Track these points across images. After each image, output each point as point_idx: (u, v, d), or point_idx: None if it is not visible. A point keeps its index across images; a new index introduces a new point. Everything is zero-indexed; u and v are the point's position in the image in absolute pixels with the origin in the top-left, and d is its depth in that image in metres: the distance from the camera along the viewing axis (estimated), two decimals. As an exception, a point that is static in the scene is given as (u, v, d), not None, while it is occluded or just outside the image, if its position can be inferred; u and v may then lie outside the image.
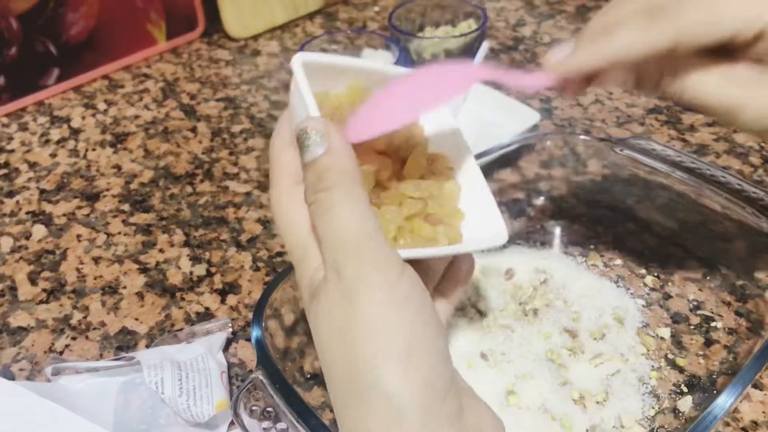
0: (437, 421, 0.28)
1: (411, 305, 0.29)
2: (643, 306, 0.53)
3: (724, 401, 0.38)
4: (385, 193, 0.35)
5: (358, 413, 0.28)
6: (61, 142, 0.74)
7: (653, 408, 0.46)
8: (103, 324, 0.54)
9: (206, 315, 0.54)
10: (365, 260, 0.29)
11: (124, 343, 0.53)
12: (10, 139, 0.75)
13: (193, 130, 0.75)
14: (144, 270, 0.59)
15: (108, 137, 0.75)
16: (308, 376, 0.47)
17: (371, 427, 0.28)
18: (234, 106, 0.79)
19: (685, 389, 0.47)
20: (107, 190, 0.68)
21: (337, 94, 0.37)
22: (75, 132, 0.76)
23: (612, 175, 0.59)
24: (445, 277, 0.39)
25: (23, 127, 0.77)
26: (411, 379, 0.27)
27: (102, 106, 0.80)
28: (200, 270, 0.58)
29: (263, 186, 0.67)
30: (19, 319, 0.55)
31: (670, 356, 0.49)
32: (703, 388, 0.47)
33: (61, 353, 0.52)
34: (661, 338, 0.50)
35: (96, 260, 0.60)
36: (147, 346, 0.52)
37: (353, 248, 0.29)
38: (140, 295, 0.56)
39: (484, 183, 0.40)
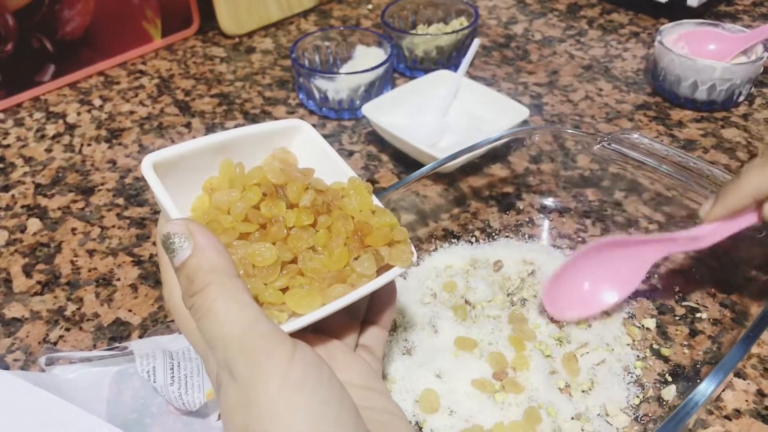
0: None
1: (306, 387, 0.29)
2: (630, 297, 0.53)
3: (705, 388, 0.39)
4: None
5: None
6: (56, 137, 0.75)
7: (638, 397, 0.47)
8: (96, 315, 0.55)
9: (199, 306, 0.55)
10: (253, 354, 0.29)
11: (117, 334, 0.53)
12: (6, 134, 0.76)
13: (188, 125, 0.76)
14: (138, 262, 0.59)
15: (103, 132, 0.75)
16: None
17: None
18: (228, 102, 0.79)
19: (670, 378, 0.48)
20: (102, 184, 0.68)
21: (212, 178, 0.37)
22: (70, 127, 0.76)
23: (600, 169, 0.60)
24: (371, 302, 0.40)
25: (19, 123, 0.77)
26: None
27: (97, 101, 0.80)
28: (193, 263, 0.59)
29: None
30: (13, 310, 0.55)
31: (655, 346, 0.50)
32: (687, 377, 0.48)
33: (55, 344, 0.53)
34: (647, 329, 0.51)
35: (90, 253, 0.60)
36: (140, 337, 0.53)
37: (239, 345, 0.29)
38: (134, 287, 0.57)
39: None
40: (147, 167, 0.34)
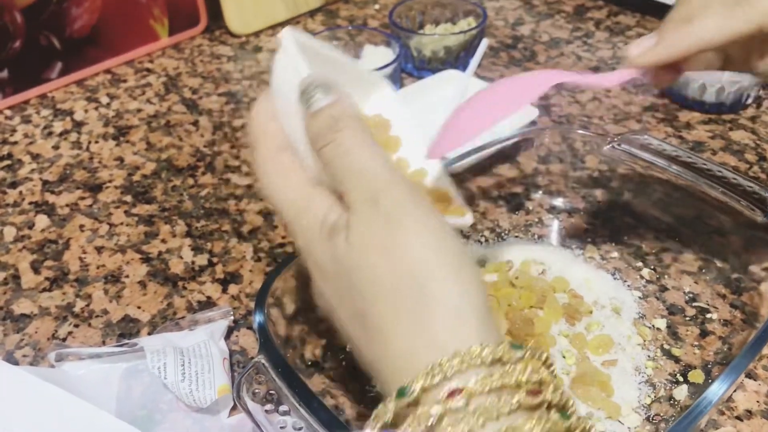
0: (490, 330, 0.29)
1: (450, 231, 0.31)
2: (640, 298, 0.53)
3: (717, 388, 0.39)
4: None
5: (414, 322, 0.29)
6: (63, 134, 0.75)
7: (649, 396, 0.47)
8: (105, 312, 0.55)
9: (208, 304, 0.55)
10: (400, 189, 0.31)
11: (126, 330, 0.53)
12: (14, 131, 0.76)
13: (195, 123, 0.76)
14: (146, 259, 0.59)
15: (110, 130, 0.75)
16: (309, 363, 0.48)
17: (435, 330, 0.29)
18: (235, 101, 0.79)
19: (681, 378, 0.48)
20: (110, 181, 0.68)
21: None
22: (78, 125, 0.76)
23: (609, 169, 0.60)
24: None
25: (26, 120, 0.77)
26: (466, 291, 0.29)
27: (105, 99, 0.80)
28: (202, 260, 0.59)
29: (264, 179, 0.68)
30: (22, 306, 0.55)
31: (666, 346, 0.50)
32: (698, 377, 0.48)
33: (64, 340, 0.53)
34: (657, 329, 0.51)
35: (98, 250, 0.60)
36: (149, 334, 0.53)
37: (386, 179, 0.31)
38: (143, 284, 0.57)
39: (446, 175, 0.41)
40: (288, 37, 0.35)
